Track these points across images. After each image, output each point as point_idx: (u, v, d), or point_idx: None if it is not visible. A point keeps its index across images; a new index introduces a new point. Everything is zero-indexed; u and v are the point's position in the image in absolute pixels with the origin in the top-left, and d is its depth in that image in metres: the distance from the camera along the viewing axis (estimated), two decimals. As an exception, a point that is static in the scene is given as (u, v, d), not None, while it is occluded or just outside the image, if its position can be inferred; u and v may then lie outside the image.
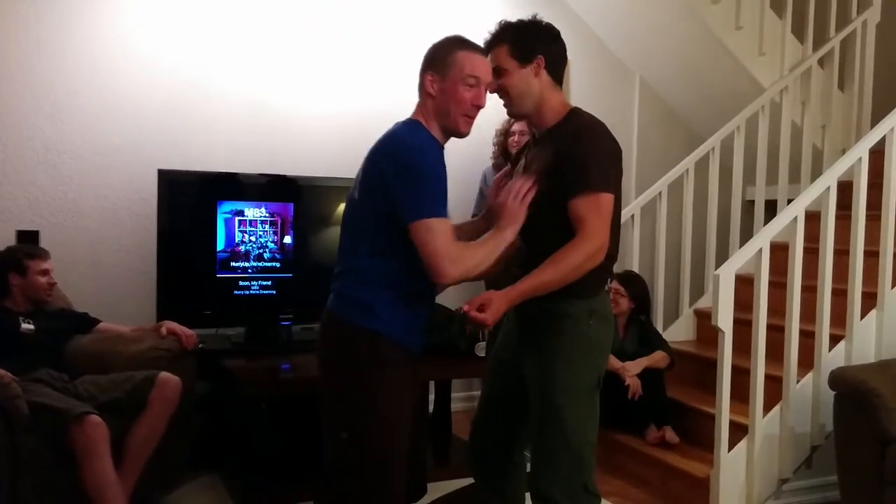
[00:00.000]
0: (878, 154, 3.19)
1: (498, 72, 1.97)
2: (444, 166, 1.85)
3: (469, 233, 2.04)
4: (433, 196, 1.79)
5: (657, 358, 3.49)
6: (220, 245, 3.39)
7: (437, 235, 1.76)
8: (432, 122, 1.91)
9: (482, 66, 1.90)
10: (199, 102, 3.64)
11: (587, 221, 1.84)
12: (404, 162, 1.80)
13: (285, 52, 3.81)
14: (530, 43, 1.97)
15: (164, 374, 2.70)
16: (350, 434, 1.85)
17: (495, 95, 2.01)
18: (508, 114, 2.07)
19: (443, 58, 1.90)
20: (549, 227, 1.92)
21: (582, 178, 1.86)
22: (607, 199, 1.88)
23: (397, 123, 1.93)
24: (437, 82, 1.89)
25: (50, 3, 3.37)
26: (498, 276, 2.08)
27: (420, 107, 1.94)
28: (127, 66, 3.52)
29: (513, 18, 2.04)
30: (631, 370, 3.40)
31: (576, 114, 2.00)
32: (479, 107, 1.89)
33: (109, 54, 3.49)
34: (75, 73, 3.43)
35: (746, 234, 3.81)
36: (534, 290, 1.84)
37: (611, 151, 1.93)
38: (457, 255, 1.78)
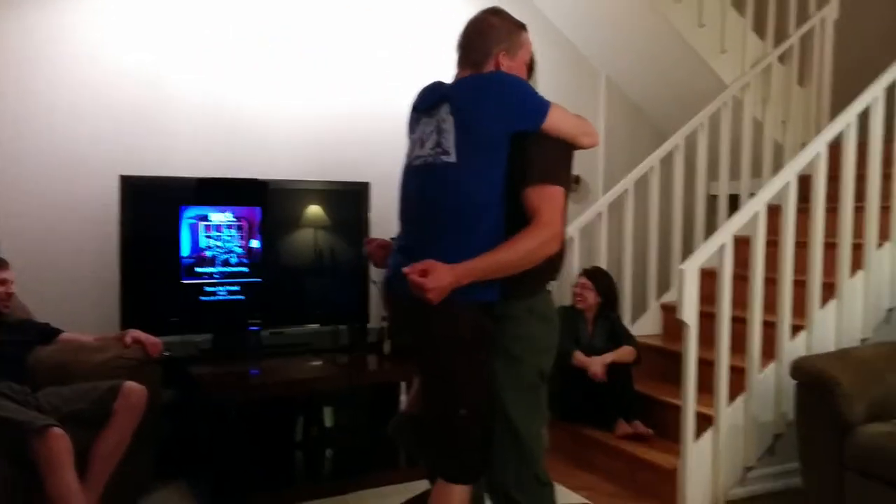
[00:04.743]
0: (836, 148, 3.25)
1: None
2: None
3: None
4: None
5: (624, 353, 3.52)
6: (185, 251, 3.37)
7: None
8: None
9: None
10: (162, 106, 3.61)
11: (542, 210, 1.86)
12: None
13: (250, 54, 3.80)
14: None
15: (129, 383, 2.68)
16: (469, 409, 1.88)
17: None
18: None
19: (516, 38, 2.00)
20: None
21: (537, 169, 1.88)
22: (560, 191, 1.90)
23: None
24: (507, 60, 1.98)
25: (7, 7, 3.33)
26: None
27: None
28: (87, 70, 3.48)
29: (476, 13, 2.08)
30: (596, 363, 3.44)
31: None
32: None
33: (68, 58, 3.44)
34: (33, 78, 3.38)
35: (711, 229, 3.85)
36: (485, 270, 1.82)
37: (563, 146, 1.96)
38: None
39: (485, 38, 1.99)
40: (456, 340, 1.87)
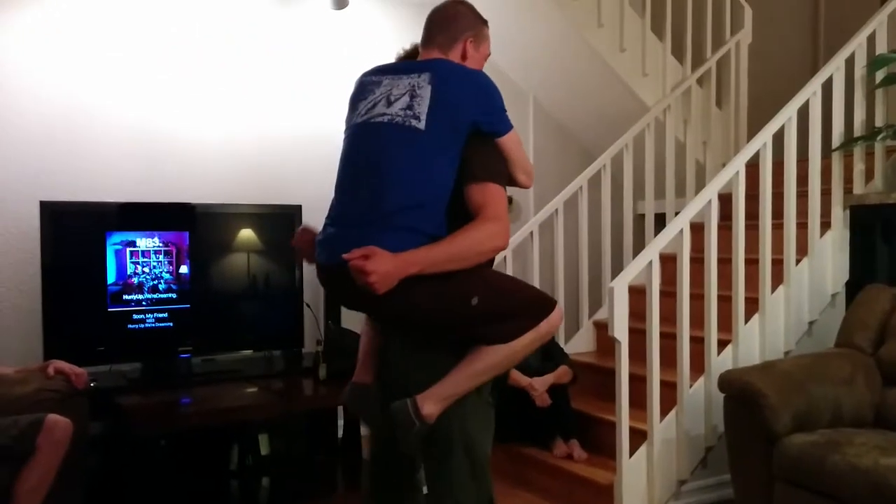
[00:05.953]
0: (754, 167, 3.40)
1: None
2: None
3: None
4: None
5: (561, 373, 3.56)
6: (111, 278, 3.26)
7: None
8: None
9: None
10: (84, 128, 3.49)
11: (488, 205, 1.83)
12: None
13: (176, 76, 3.72)
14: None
15: (53, 417, 2.55)
16: (480, 296, 1.81)
17: None
18: None
19: (481, 29, 2.03)
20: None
21: (485, 168, 1.86)
22: (504, 192, 1.90)
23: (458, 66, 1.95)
24: (473, 49, 2.01)
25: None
26: None
27: None
28: (4, 92, 3.34)
29: (407, 39, 2.10)
30: (539, 388, 3.46)
31: None
32: None
33: (-16, 81, 3.31)
34: (-54, 102, 3.24)
35: (639, 247, 3.94)
36: (432, 261, 1.73)
37: (506, 164, 1.97)
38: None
39: (455, 22, 2.00)
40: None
